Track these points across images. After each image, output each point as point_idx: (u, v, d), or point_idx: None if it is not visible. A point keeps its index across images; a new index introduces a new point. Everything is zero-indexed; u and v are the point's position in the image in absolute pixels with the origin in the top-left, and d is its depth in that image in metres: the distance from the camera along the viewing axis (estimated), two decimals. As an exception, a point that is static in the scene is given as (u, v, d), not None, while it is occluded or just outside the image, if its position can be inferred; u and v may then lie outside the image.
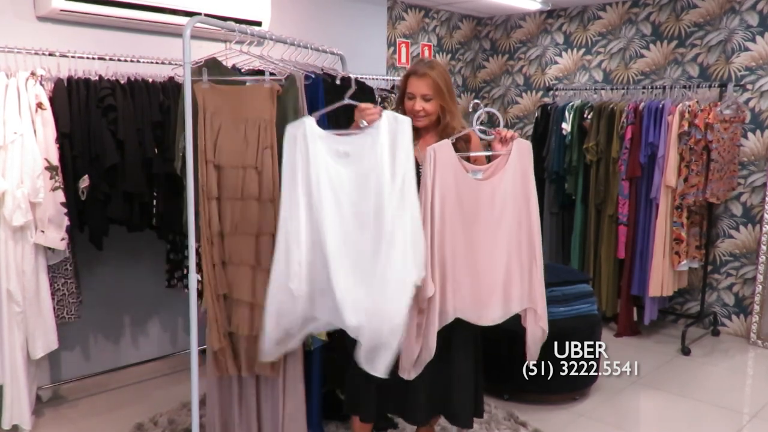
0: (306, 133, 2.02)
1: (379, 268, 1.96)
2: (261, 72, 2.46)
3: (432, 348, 2.14)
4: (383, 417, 2.83)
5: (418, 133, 2.35)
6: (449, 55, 5.42)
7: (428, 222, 2.09)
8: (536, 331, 2.32)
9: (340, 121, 2.54)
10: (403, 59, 4.97)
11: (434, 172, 2.10)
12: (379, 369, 2.00)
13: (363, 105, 2.14)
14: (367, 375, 2.18)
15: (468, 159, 2.24)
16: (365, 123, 2.07)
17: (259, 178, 2.31)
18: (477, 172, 2.19)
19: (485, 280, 2.21)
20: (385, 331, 1.96)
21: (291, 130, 2.05)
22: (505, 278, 2.22)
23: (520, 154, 2.21)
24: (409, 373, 2.17)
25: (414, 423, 2.47)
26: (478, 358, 2.38)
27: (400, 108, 2.34)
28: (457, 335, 2.26)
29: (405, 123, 2.03)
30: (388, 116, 2.03)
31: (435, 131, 2.34)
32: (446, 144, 2.14)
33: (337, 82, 2.73)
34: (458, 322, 2.20)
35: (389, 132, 2.01)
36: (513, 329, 3.21)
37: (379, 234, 1.97)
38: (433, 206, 2.10)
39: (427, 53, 5.17)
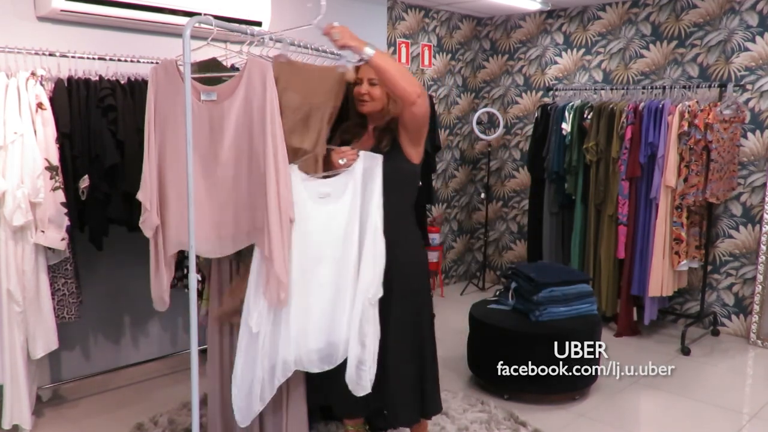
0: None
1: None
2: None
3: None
4: (382, 415, 2.84)
5: (364, 121, 2.40)
6: (449, 55, 5.42)
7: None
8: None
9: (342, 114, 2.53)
10: (403, 59, 4.97)
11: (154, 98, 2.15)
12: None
13: (341, 148, 2.25)
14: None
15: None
16: (343, 161, 2.20)
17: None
18: (211, 93, 2.14)
19: (213, 211, 2.21)
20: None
21: None
22: (233, 211, 2.20)
23: (253, 75, 2.09)
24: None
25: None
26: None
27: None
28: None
29: (378, 158, 2.20)
30: (364, 156, 2.21)
31: (382, 122, 2.36)
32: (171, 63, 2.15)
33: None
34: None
35: (363, 170, 2.20)
36: (512, 329, 3.24)
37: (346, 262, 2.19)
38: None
39: (427, 54, 5.17)
